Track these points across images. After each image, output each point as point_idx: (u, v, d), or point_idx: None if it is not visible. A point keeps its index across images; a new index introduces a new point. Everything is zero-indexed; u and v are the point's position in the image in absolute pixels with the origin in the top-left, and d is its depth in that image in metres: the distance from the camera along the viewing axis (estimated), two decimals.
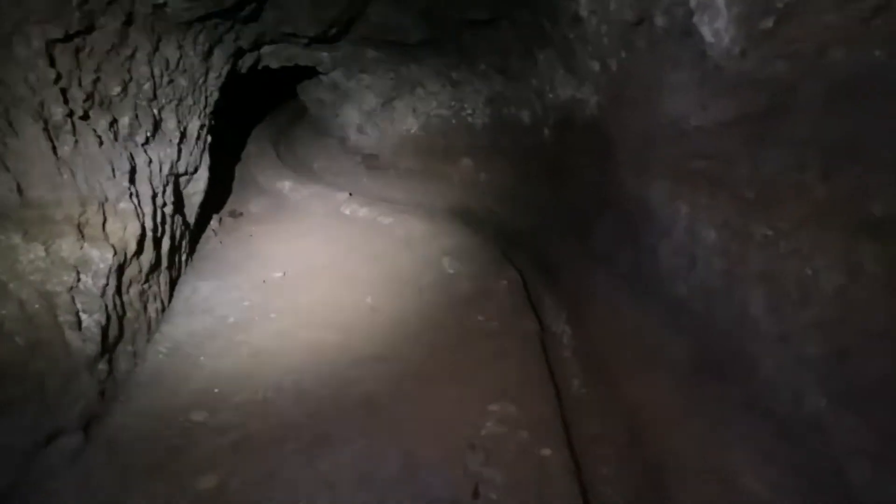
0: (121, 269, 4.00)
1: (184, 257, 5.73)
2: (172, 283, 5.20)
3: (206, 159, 6.15)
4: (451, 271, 5.18)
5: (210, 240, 6.86)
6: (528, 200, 6.42)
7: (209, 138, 6.18)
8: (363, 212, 7.12)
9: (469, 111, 7.03)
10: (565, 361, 3.94)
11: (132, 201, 4.23)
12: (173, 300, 5.12)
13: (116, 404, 3.66)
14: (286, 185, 8.28)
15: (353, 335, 4.27)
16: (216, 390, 3.79)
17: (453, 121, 7.24)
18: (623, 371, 3.58)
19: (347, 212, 7.24)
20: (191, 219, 6.09)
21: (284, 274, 5.62)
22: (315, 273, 5.56)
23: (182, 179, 5.65)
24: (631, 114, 4.03)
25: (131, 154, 4.36)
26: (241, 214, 7.87)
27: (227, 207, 8.02)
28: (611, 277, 4.48)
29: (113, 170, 4.06)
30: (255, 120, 11.02)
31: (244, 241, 6.83)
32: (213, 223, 7.40)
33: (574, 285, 4.88)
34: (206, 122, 5.96)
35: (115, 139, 4.17)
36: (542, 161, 6.38)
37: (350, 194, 7.65)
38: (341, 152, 9.22)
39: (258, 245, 6.63)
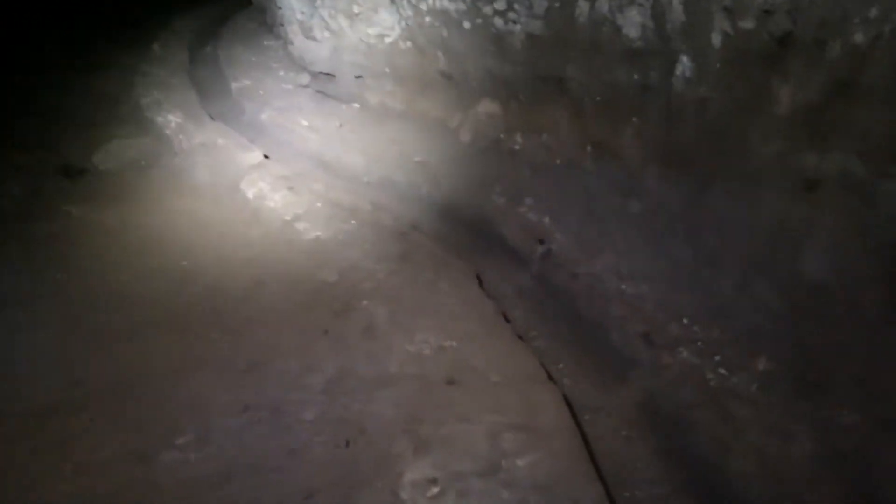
0: None
1: None
2: None
3: None
4: None
5: None
6: (620, 214, 2.72)
7: None
8: (277, 199, 3.45)
9: (502, 5, 3.20)
10: None
11: None
12: None
13: None
14: (172, 119, 4.57)
15: None
16: None
17: (466, 24, 3.42)
18: None
19: (250, 194, 3.57)
20: None
21: None
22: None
23: None
24: None
25: None
26: (84, 172, 4.23)
27: (69, 151, 4.39)
28: None
29: None
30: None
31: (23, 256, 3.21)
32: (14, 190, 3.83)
33: None
34: None
35: None
36: (662, 129, 2.63)
37: (265, 156, 3.95)
38: (282, 65, 5.38)
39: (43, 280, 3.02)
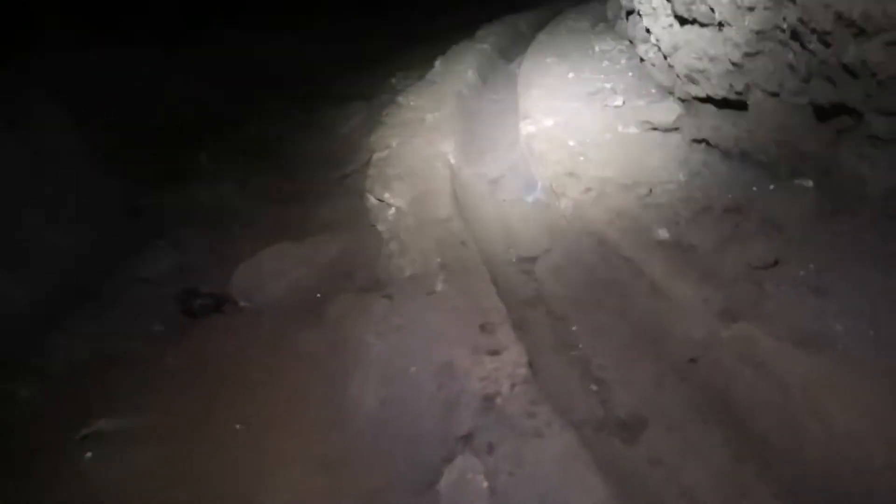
0: None
1: None
2: None
3: None
4: None
5: None
6: None
7: None
8: None
9: None
10: None
11: None
12: None
13: None
14: (393, 204, 2.28)
15: None
16: None
17: None
18: None
19: None
20: None
21: None
22: None
23: None
24: None
25: None
26: (215, 310, 2.17)
27: (221, 257, 2.40)
28: None
29: None
30: None
31: None
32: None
33: None
34: None
35: None
36: None
37: (530, 364, 1.27)
38: (621, 83, 2.65)
39: None
